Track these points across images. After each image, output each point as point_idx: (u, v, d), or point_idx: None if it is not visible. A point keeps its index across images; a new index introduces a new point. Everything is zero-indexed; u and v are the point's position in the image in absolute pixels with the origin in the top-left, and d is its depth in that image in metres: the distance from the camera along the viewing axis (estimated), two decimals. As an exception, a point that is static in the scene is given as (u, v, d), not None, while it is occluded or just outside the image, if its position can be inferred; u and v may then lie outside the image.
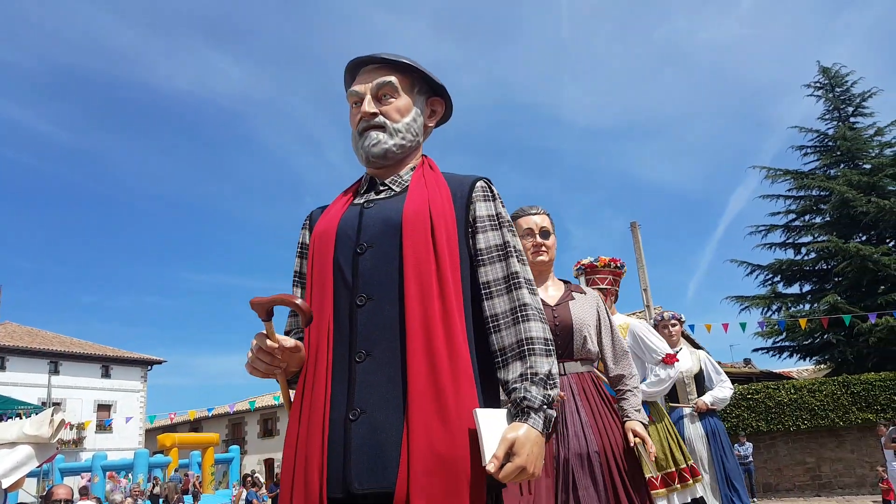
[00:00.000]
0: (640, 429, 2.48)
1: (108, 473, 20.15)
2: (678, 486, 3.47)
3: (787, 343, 17.52)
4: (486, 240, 1.42)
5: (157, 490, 15.65)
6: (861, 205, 16.20)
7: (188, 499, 16.58)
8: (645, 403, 3.51)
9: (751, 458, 12.48)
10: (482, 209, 1.44)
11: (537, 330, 1.33)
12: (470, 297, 1.38)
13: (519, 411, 1.26)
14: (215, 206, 69.14)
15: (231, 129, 69.67)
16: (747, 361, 21.25)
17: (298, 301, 1.29)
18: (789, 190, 18.77)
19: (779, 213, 18.89)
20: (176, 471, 22.30)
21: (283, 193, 76.80)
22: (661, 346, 3.77)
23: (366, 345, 1.30)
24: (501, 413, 1.27)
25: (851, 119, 18.88)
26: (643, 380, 3.73)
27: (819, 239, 17.36)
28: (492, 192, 1.48)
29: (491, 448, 1.19)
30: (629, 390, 2.60)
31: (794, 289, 18.31)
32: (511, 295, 1.37)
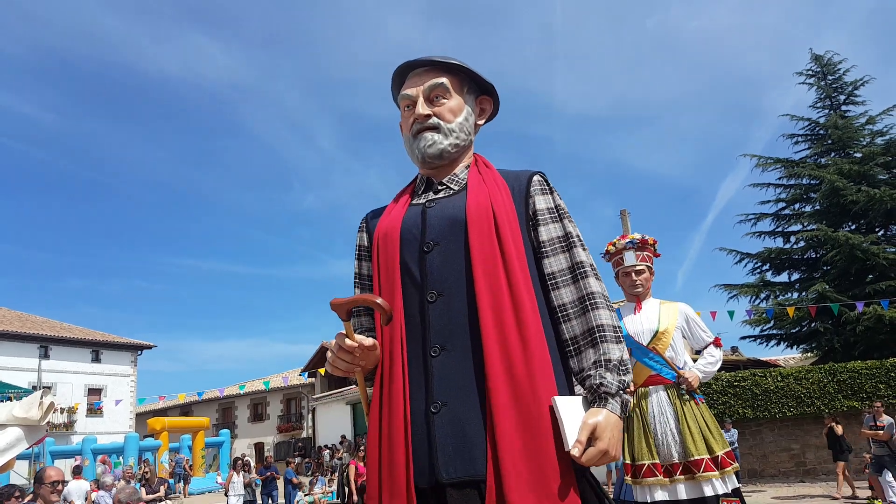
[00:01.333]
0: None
1: (100, 457, 20.16)
2: (735, 465, 3.52)
3: (774, 331, 17.68)
4: (548, 232, 1.46)
5: (147, 473, 15.68)
6: (851, 193, 16.28)
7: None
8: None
9: (736, 445, 12.63)
10: (541, 202, 1.49)
11: (606, 318, 1.37)
12: (539, 289, 1.42)
13: (596, 397, 1.30)
14: (204, 192, 68.63)
15: (219, 114, 68.98)
16: (735, 349, 21.44)
17: (379, 300, 1.32)
18: (780, 178, 18.83)
19: (769, 201, 18.98)
20: (169, 452, 22.35)
21: (271, 179, 76.30)
22: (708, 330, 3.98)
23: (439, 339, 1.35)
24: (578, 400, 1.31)
25: (843, 107, 18.91)
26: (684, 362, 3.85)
27: (808, 227, 17.45)
28: (548, 185, 1.53)
29: (573, 433, 1.24)
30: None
31: (783, 277, 18.46)
32: (578, 284, 1.41)
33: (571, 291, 1.41)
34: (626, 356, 1.35)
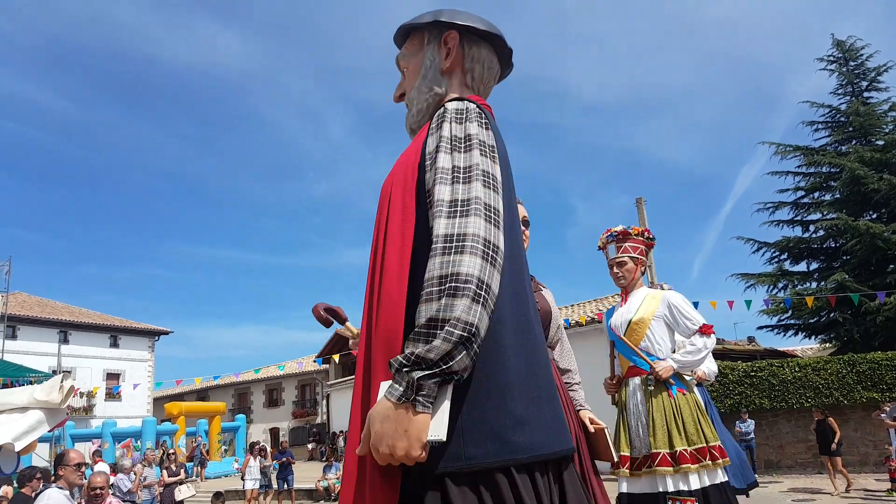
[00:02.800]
0: (594, 416, 2.64)
1: (124, 442, 20.51)
2: (709, 462, 3.33)
3: (792, 321, 17.49)
4: (428, 181, 1.20)
5: (173, 455, 15.94)
6: (872, 182, 15.99)
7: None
8: (675, 374, 3.57)
9: (752, 435, 12.55)
10: (430, 143, 1.22)
11: (435, 267, 1.05)
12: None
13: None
14: (217, 180, 69.06)
15: (232, 102, 69.18)
16: (751, 339, 21.26)
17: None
18: (799, 167, 18.56)
19: (787, 189, 18.72)
20: (186, 436, 22.70)
21: (283, 168, 76.58)
22: (697, 316, 3.74)
23: None
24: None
25: (865, 94, 18.54)
26: (672, 351, 3.72)
27: (828, 216, 17.20)
28: (445, 116, 1.23)
29: None
30: (577, 383, 2.79)
31: (801, 267, 18.25)
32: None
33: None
34: (442, 315, 0.98)
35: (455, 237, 1.04)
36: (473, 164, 1.13)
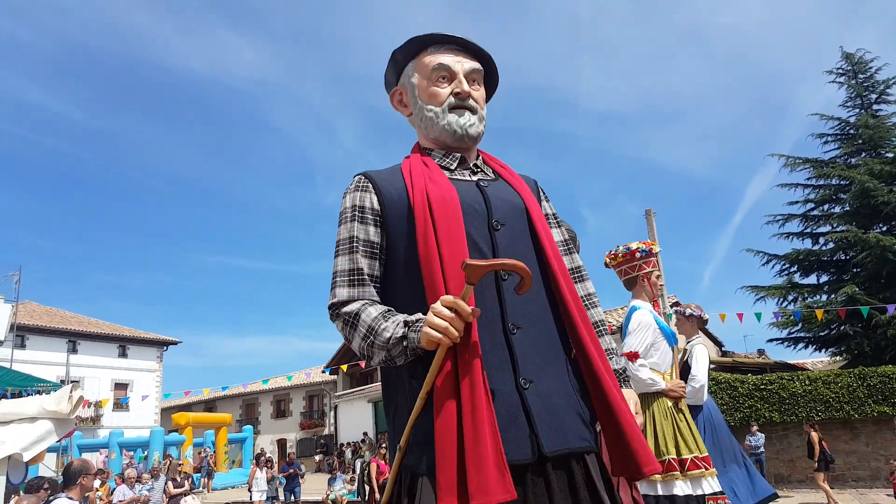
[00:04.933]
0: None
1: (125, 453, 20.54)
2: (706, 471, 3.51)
3: (802, 334, 17.35)
4: (558, 234, 1.61)
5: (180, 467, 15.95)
6: (882, 194, 15.91)
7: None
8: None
9: (762, 449, 12.42)
10: (547, 207, 1.65)
11: (601, 315, 1.61)
12: None
13: (621, 380, 1.53)
14: (229, 188, 69.55)
15: (245, 110, 69.81)
16: (761, 352, 21.10)
17: (526, 267, 1.22)
18: (808, 179, 18.48)
19: (797, 202, 18.64)
20: (194, 447, 22.70)
21: (296, 175, 77.05)
22: (630, 341, 3.84)
23: (515, 318, 1.34)
24: None
25: (874, 106, 18.48)
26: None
27: (838, 229, 17.09)
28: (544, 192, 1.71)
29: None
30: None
31: (811, 279, 18.11)
32: (584, 284, 1.62)
33: (580, 289, 1.59)
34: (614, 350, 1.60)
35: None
36: None
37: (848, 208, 17.45)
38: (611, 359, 1.51)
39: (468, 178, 1.49)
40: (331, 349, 41.85)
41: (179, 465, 16.24)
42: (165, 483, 12.25)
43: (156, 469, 12.44)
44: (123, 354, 32.70)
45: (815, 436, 10.32)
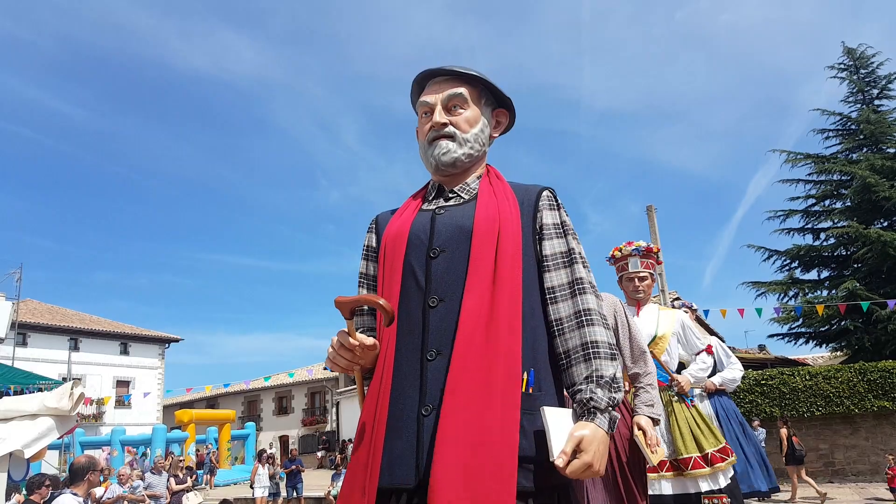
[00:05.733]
0: (644, 422, 2.76)
1: (126, 448, 20.61)
2: (731, 459, 3.69)
3: (803, 329, 17.35)
4: (552, 246, 1.48)
5: (182, 463, 15.98)
6: (883, 190, 15.88)
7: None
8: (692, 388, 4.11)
9: (763, 444, 12.44)
10: (548, 217, 1.51)
11: (602, 334, 1.38)
12: (539, 301, 1.44)
13: (585, 411, 1.31)
14: (231, 188, 69.57)
15: (246, 110, 69.81)
16: (762, 347, 21.10)
17: (382, 301, 1.32)
18: (810, 174, 18.45)
19: (798, 197, 18.62)
20: (196, 444, 22.76)
21: (298, 175, 77.07)
22: (703, 339, 4.23)
23: (436, 344, 1.35)
24: (567, 412, 1.32)
25: (876, 102, 18.43)
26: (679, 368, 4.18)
27: (839, 224, 17.07)
28: (556, 201, 1.55)
29: (559, 444, 1.24)
30: (642, 387, 2.93)
31: (812, 275, 18.09)
32: (575, 299, 1.42)
33: (569, 306, 1.42)
34: (619, 374, 1.35)
35: (603, 314, 1.44)
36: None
37: (849, 204, 17.43)
38: (584, 386, 1.33)
39: (431, 208, 1.56)
40: (332, 346, 41.84)
41: (181, 461, 16.29)
42: (168, 479, 12.27)
43: (158, 465, 12.43)
44: (125, 352, 32.78)
45: (784, 432, 10.46)
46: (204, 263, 68.82)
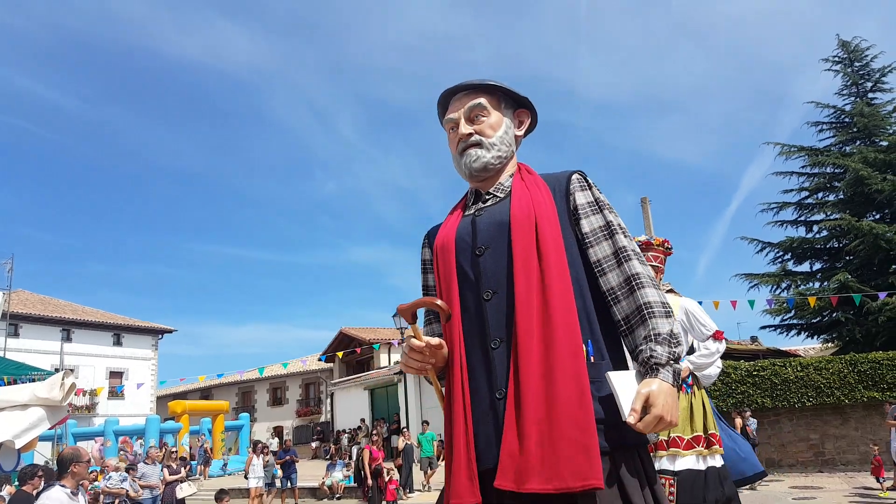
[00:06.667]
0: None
1: (121, 438, 20.58)
2: (717, 447, 3.89)
3: (795, 321, 17.46)
4: (590, 223, 1.57)
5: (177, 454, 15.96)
6: (876, 183, 15.94)
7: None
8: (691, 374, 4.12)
9: (756, 433, 12.54)
10: (581, 198, 1.60)
11: (653, 295, 1.47)
12: (585, 277, 1.54)
13: (648, 369, 1.39)
14: (226, 178, 69.26)
15: (241, 100, 69.36)
16: (754, 339, 21.23)
17: (438, 302, 1.50)
18: (803, 167, 18.49)
19: (792, 190, 18.67)
20: (190, 435, 22.76)
21: (293, 166, 76.75)
22: (711, 323, 4.24)
23: (498, 333, 1.49)
24: (631, 374, 1.41)
25: (870, 95, 18.46)
26: (689, 353, 4.24)
27: (832, 217, 17.14)
28: (587, 181, 1.65)
29: (628, 403, 1.33)
30: None
31: (805, 267, 18.20)
32: (622, 268, 1.52)
33: (617, 275, 1.51)
34: (676, 329, 1.44)
35: (651, 275, 1.53)
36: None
37: (842, 196, 17.49)
38: (644, 345, 1.42)
39: (470, 213, 1.69)
40: (327, 337, 41.90)
41: (174, 451, 16.28)
42: (161, 470, 12.24)
43: (152, 456, 12.39)
44: (118, 343, 32.68)
45: (738, 421, 10.75)
46: (198, 254, 68.60)
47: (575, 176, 1.64)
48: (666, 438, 3.89)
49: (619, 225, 1.57)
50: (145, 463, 12.09)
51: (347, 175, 79.92)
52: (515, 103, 1.77)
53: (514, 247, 1.51)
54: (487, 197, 1.69)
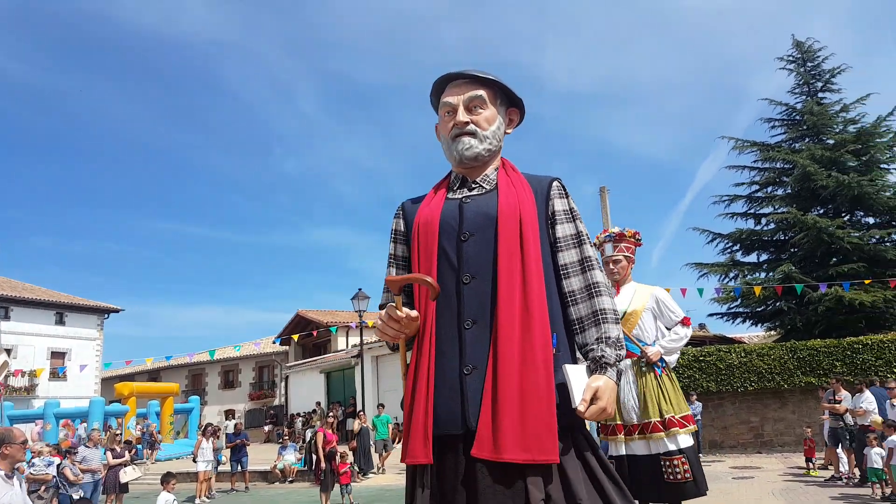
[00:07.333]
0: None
1: (62, 421, 19.86)
2: (690, 427, 4.18)
3: (741, 309, 18.07)
4: (563, 230, 1.76)
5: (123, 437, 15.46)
6: (821, 179, 16.56)
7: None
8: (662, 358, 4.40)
9: (699, 417, 12.98)
10: (559, 205, 1.78)
11: (608, 303, 1.68)
12: (553, 276, 1.71)
13: (598, 366, 1.60)
14: (180, 152, 67.18)
15: (198, 70, 67.23)
16: (702, 326, 21.92)
17: (429, 279, 1.59)
18: (755, 162, 19.05)
19: (743, 183, 19.20)
20: (137, 418, 22.14)
21: (251, 141, 74.95)
22: (679, 310, 4.57)
23: (471, 314, 1.63)
24: (582, 368, 1.61)
25: (820, 94, 19.09)
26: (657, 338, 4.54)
27: (779, 210, 17.74)
28: (564, 190, 1.82)
29: (579, 394, 1.54)
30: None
31: (752, 257, 18.77)
32: (586, 274, 1.72)
33: (580, 280, 1.71)
34: (621, 335, 1.66)
35: (608, 285, 1.74)
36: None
37: (789, 191, 18.10)
38: (595, 346, 1.63)
39: (457, 197, 1.80)
40: (283, 320, 41.32)
41: (118, 434, 15.79)
42: (104, 454, 11.85)
43: (94, 439, 11.97)
44: (61, 322, 31.45)
45: None
46: (149, 231, 66.52)
47: (555, 183, 1.81)
48: (639, 423, 4.18)
49: (587, 235, 1.77)
50: (86, 446, 11.69)
51: (308, 152, 78.67)
52: (509, 101, 1.89)
53: (499, 239, 1.65)
54: (474, 186, 1.80)
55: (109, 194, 61.96)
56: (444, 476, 1.56)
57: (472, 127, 1.78)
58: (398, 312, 1.62)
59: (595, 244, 4.85)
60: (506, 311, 1.57)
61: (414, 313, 1.66)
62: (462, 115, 1.78)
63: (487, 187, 1.79)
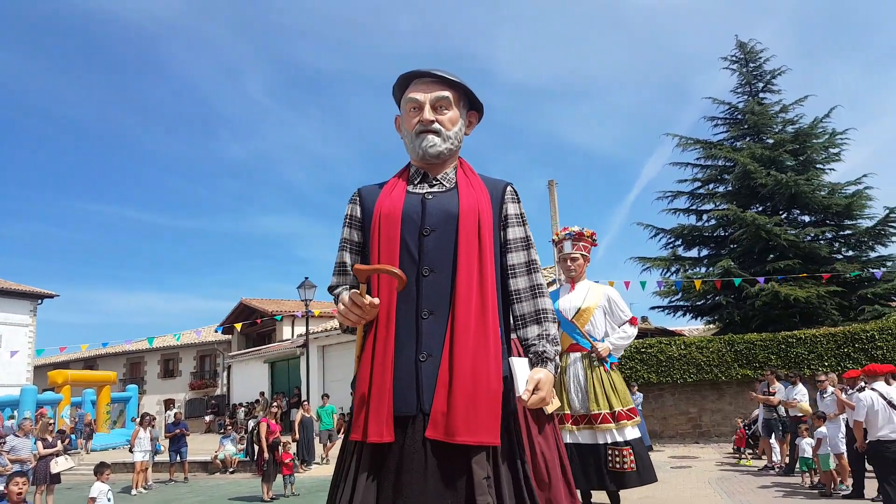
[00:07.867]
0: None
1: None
2: (637, 419, 4.53)
3: (682, 303, 18.63)
4: (514, 233, 1.90)
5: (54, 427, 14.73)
6: (761, 177, 17.16)
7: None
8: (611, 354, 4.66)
9: (640, 408, 13.34)
10: (511, 209, 1.93)
11: (549, 304, 1.88)
12: (501, 274, 1.86)
13: (539, 360, 1.76)
14: (120, 132, 64.39)
15: (140, 50, 64.42)
16: (644, 318, 22.49)
17: (397, 270, 1.65)
18: (698, 159, 19.58)
19: (686, 180, 19.72)
20: (71, 407, 21.21)
21: (195, 124, 72.51)
22: (628, 310, 4.86)
23: (429, 306, 1.73)
24: (524, 361, 1.74)
25: (761, 95, 19.76)
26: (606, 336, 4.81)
27: (720, 207, 18.30)
28: (517, 195, 1.96)
29: (523, 384, 1.66)
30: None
31: (693, 252, 19.33)
32: (531, 276, 1.88)
33: (526, 280, 1.87)
34: (557, 334, 1.84)
35: (547, 289, 1.91)
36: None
37: (730, 188, 18.70)
38: (537, 342, 1.79)
39: (419, 192, 1.87)
40: (226, 308, 40.32)
41: (50, 423, 15.07)
42: (35, 443, 11.29)
43: (25, 428, 11.39)
44: (-11, 307, 29.74)
45: None
46: (85, 214, 63.64)
47: (509, 188, 1.94)
48: (586, 413, 4.45)
49: (532, 240, 1.93)
50: (16, 435, 11.12)
51: (255, 137, 76.65)
52: (470, 104, 1.99)
53: (460, 236, 1.76)
54: (435, 182, 1.89)
55: (42, 175, 58.98)
56: (394, 453, 1.66)
57: (437, 126, 1.86)
58: (362, 299, 1.67)
59: (554, 240, 4.98)
60: (463, 304, 1.69)
61: (377, 301, 1.71)
62: (428, 114, 1.86)
63: (448, 185, 1.89)
